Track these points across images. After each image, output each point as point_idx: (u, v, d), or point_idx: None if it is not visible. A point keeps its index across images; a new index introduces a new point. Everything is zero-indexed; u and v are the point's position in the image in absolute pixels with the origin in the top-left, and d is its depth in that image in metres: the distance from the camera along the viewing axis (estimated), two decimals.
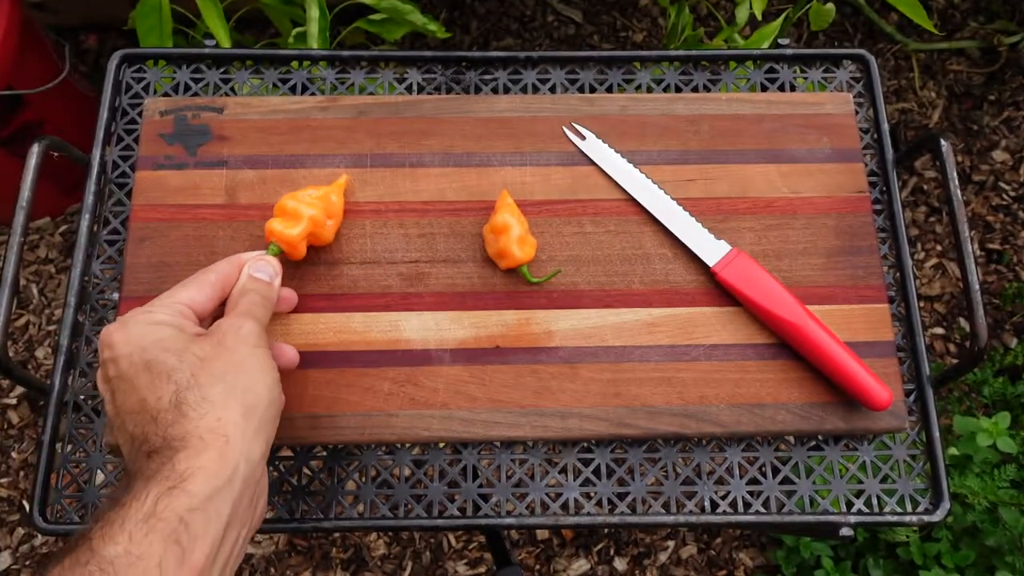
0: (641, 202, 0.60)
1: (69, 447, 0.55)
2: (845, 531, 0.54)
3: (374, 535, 1.28)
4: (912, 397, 0.58)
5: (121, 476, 0.55)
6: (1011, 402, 1.14)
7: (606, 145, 0.61)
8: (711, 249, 0.58)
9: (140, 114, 0.62)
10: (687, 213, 0.59)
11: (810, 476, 0.56)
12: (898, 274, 0.61)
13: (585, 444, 0.56)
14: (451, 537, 1.28)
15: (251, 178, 0.60)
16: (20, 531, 1.27)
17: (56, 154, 0.57)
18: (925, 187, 1.50)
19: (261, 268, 0.51)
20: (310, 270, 0.58)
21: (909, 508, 0.56)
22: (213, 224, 0.59)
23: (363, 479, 0.55)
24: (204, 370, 0.43)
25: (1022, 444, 1.02)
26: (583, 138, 0.61)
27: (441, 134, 0.62)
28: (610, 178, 0.61)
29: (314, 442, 0.55)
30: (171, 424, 0.41)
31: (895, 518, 0.55)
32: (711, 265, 0.57)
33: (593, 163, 0.61)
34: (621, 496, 0.55)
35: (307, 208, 0.54)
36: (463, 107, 0.63)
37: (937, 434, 0.56)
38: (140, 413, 0.42)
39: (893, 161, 0.63)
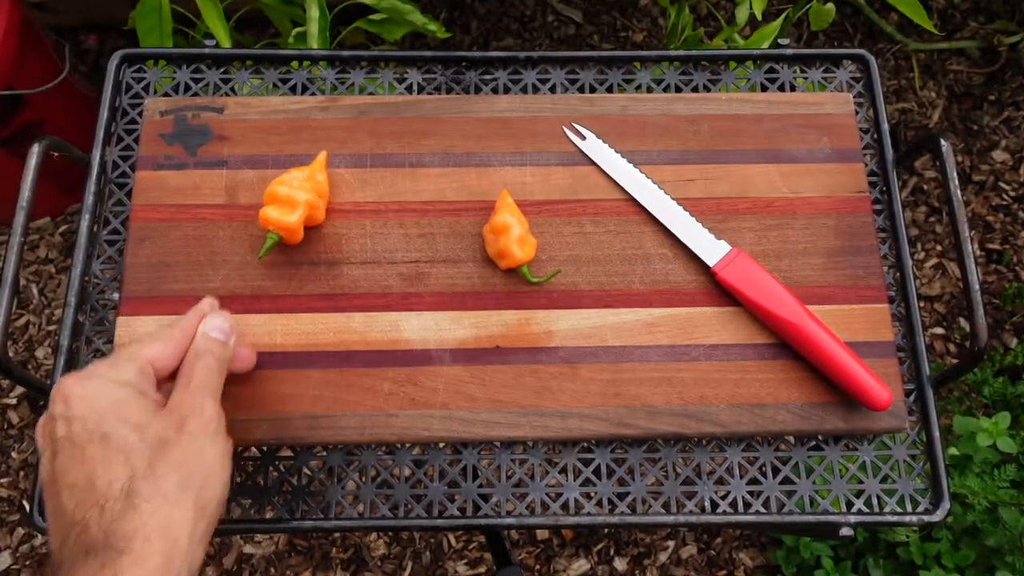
0: (641, 202, 0.60)
1: None
2: (845, 531, 0.54)
3: (374, 535, 1.27)
4: (912, 397, 0.58)
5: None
6: (1011, 402, 1.14)
7: (606, 145, 0.61)
8: (711, 249, 0.58)
9: (140, 114, 0.62)
10: (687, 213, 0.59)
11: (810, 476, 0.56)
12: (898, 274, 0.61)
13: (585, 444, 0.56)
14: (451, 537, 1.28)
15: (251, 178, 0.60)
16: (20, 531, 1.27)
17: (56, 154, 0.57)
18: (925, 187, 1.50)
19: (217, 327, 0.47)
20: (310, 270, 0.58)
21: (909, 508, 0.56)
22: (213, 224, 0.59)
23: (363, 479, 0.55)
24: (162, 457, 0.39)
25: (1022, 444, 1.02)
26: (583, 138, 0.61)
27: (441, 134, 0.62)
28: (610, 178, 0.61)
29: (314, 442, 0.55)
30: (118, 518, 0.37)
31: (895, 518, 0.55)
32: (711, 265, 0.57)
33: (593, 163, 0.61)
34: (621, 496, 0.55)
35: (300, 192, 0.55)
36: (463, 107, 0.63)
37: (937, 434, 0.56)
38: (84, 491, 0.38)
39: (893, 161, 0.63)
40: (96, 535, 0.37)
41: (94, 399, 0.40)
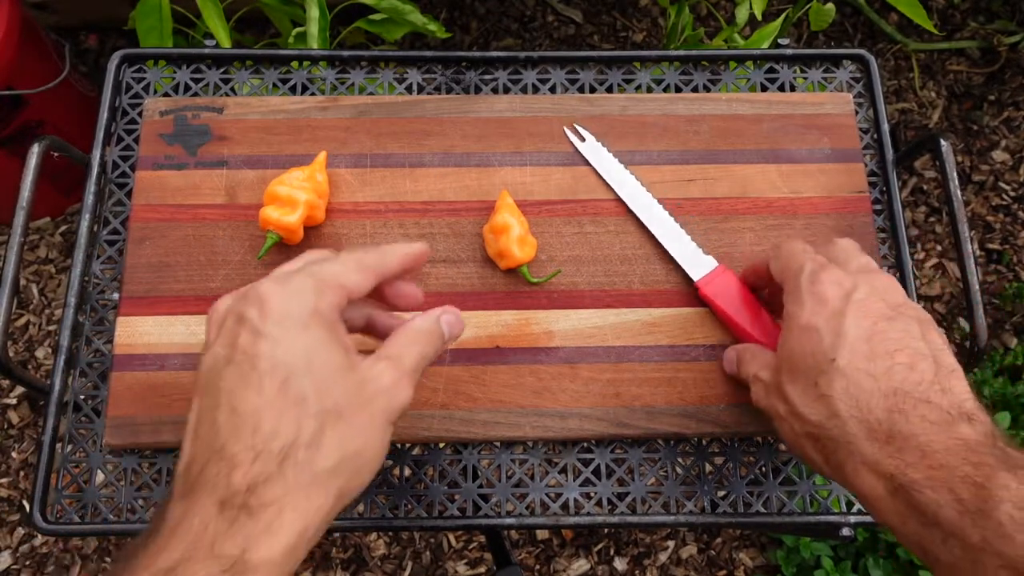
0: (632, 209, 0.59)
1: (69, 447, 0.55)
2: (845, 531, 0.54)
3: (374, 535, 1.28)
4: None
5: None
6: (1011, 402, 1.14)
7: (604, 148, 0.61)
8: (697, 263, 0.57)
9: (140, 114, 0.62)
10: (678, 225, 0.59)
11: (810, 476, 0.56)
12: (898, 274, 0.61)
13: (585, 444, 0.56)
14: (451, 537, 1.28)
15: (251, 178, 0.60)
16: (20, 531, 1.27)
17: (56, 154, 0.57)
18: (925, 187, 1.50)
19: (450, 323, 0.45)
20: None
21: None
22: (213, 224, 0.59)
23: None
24: (331, 430, 0.36)
25: (1022, 444, 1.03)
26: (583, 140, 0.61)
27: (441, 134, 0.62)
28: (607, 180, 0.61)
29: None
30: (266, 477, 0.34)
31: None
32: (695, 280, 0.57)
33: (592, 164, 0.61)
34: (621, 496, 0.55)
35: (301, 192, 0.55)
36: (463, 107, 0.63)
37: None
38: (245, 425, 0.35)
39: (893, 161, 0.63)
40: (238, 485, 0.34)
41: (291, 327, 0.37)
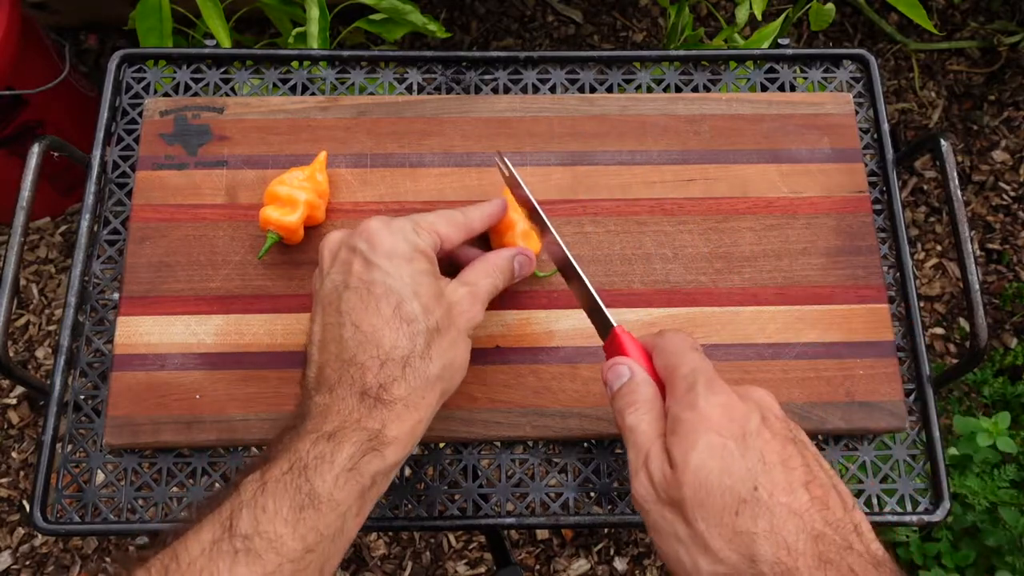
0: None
1: (69, 447, 0.55)
2: None
3: (374, 535, 1.28)
4: (912, 397, 0.58)
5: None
6: (1011, 402, 1.14)
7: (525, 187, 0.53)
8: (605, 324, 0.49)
9: (140, 114, 0.62)
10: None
11: None
12: (898, 274, 0.61)
13: (585, 444, 0.56)
14: (451, 537, 1.28)
15: (251, 178, 0.60)
16: (20, 531, 1.27)
17: (56, 154, 0.57)
18: (925, 187, 1.50)
19: (522, 263, 0.52)
20: (311, 270, 0.58)
21: (909, 508, 0.56)
22: (213, 224, 0.59)
23: None
24: (436, 342, 0.44)
25: (1022, 444, 1.03)
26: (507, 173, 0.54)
27: (441, 134, 0.62)
28: (612, 177, 0.61)
29: None
30: (393, 380, 0.43)
31: (895, 518, 0.55)
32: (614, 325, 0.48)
33: (594, 163, 0.61)
34: (621, 496, 0.55)
35: (301, 192, 0.55)
36: (463, 107, 0.63)
37: (937, 434, 0.56)
38: (368, 340, 0.43)
39: (893, 161, 0.63)
40: (371, 383, 0.42)
41: (399, 260, 0.45)
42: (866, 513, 0.54)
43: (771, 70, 0.67)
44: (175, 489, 0.55)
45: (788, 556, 0.35)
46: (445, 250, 0.50)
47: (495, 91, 0.65)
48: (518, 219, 0.55)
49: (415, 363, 0.44)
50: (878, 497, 0.56)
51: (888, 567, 0.36)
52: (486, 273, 0.50)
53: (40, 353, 1.38)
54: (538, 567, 1.27)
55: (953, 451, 1.02)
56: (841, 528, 0.36)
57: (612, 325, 0.47)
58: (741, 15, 1.02)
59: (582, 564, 1.27)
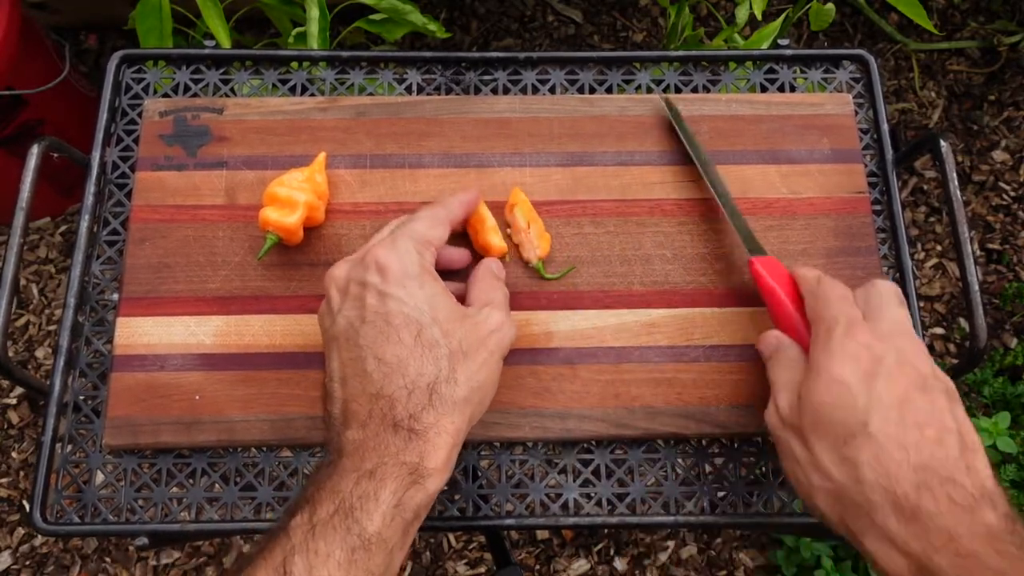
0: (704, 177, 0.58)
1: (69, 447, 0.55)
2: None
3: None
4: None
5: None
6: (1011, 402, 1.14)
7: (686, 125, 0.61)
8: (752, 245, 0.55)
9: (140, 115, 0.62)
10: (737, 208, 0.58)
11: None
12: (898, 274, 0.61)
13: (585, 445, 0.56)
14: (451, 537, 1.28)
15: (251, 179, 0.60)
16: (20, 531, 1.27)
17: (56, 154, 0.57)
18: (925, 187, 1.50)
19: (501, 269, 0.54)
20: (310, 271, 0.58)
21: None
22: (213, 225, 0.59)
23: None
24: (461, 365, 0.44)
25: (1022, 444, 1.03)
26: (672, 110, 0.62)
27: (441, 135, 0.62)
28: (611, 178, 0.61)
29: (314, 443, 0.55)
30: (421, 408, 0.42)
31: None
32: (749, 256, 0.54)
33: (594, 164, 0.61)
34: (621, 496, 0.55)
35: (300, 193, 0.55)
36: (463, 108, 0.63)
37: None
38: (394, 371, 0.43)
39: (893, 161, 0.63)
40: (401, 414, 0.42)
41: (412, 285, 0.45)
42: None
43: (771, 71, 0.67)
44: (175, 490, 0.55)
45: (887, 481, 0.40)
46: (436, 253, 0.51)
47: (495, 92, 0.65)
48: (487, 214, 0.56)
49: (441, 388, 0.43)
50: None
51: (991, 498, 0.40)
52: (494, 286, 0.51)
53: (40, 353, 1.38)
54: (538, 567, 1.27)
55: None
56: (949, 464, 0.40)
57: (763, 253, 0.54)
58: (741, 15, 1.02)
59: (582, 564, 1.27)
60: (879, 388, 0.42)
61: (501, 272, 0.53)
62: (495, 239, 0.56)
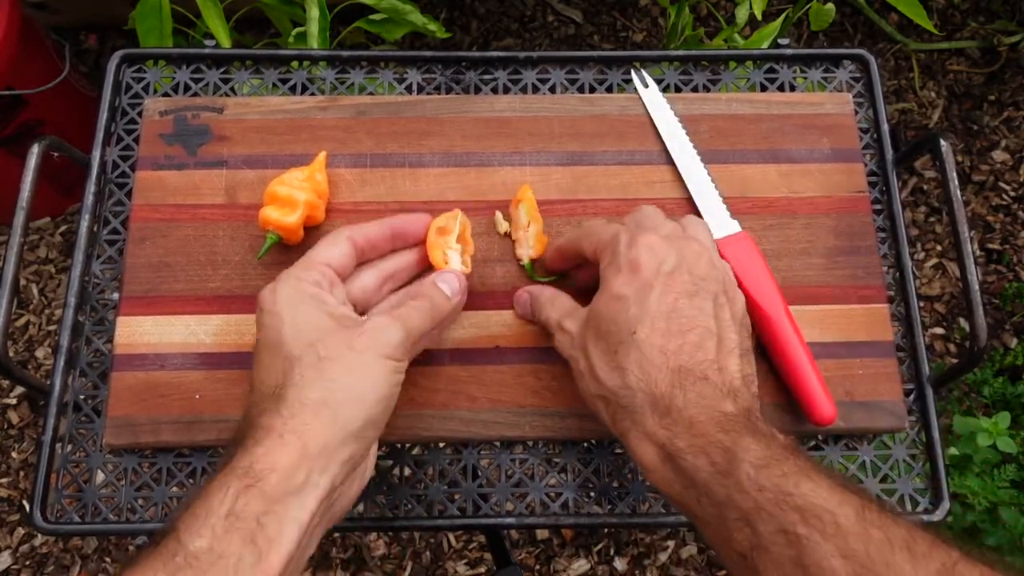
0: (675, 160, 0.61)
1: (69, 447, 0.55)
2: None
3: (374, 535, 1.28)
4: (912, 397, 0.58)
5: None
6: (1011, 402, 1.14)
7: (663, 98, 0.63)
8: (722, 224, 0.57)
9: (140, 114, 0.62)
10: (713, 186, 0.59)
11: None
12: (898, 274, 0.61)
13: (585, 444, 0.56)
14: (451, 537, 1.28)
15: (251, 178, 0.60)
16: (20, 531, 1.27)
17: (56, 154, 0.57)
18: (925, 187, 1.50)
19: (447, 281, 0.52)
20: None
21: (909, 508, 0.56)
22: (213, 224, 0.59)
23: None
24: (318, 370, 0.43)
25: (1022, 444, 1.03)
26: (646, 85, 0.63)
27: (441, 134, 0.62)
28: (612, 177, 0.61)
29: None
30: (266, 412, 0.42)
31: None
32: (716, 237, 0.56)
33: (594, 163, 0.61)
34: (621, 496, 0.55)
35: (300, 193, 0.55)
36: (463, 107, 0.63)
37: (937, 434, 0.56)
38: (260, 388, 0.44)
39: (893, 161, 0.63)
40: (249, 425, 0.42)
41: (285, 307, 0.46)
42: None
43: (771, 70, 0.67)
44: (175, 489, 0.55)
45: (647, 384, 0.44)
46: (346, 272, 0.51)
47: (495, 91, 0.65)
48: (439, 241, 0.54)
49: (286, 393, 0.43)
50: (878, 497, 0.56)
51: (735, 394, 0.44)
52: (406, 297, 0.51)
53: (40, 353, 1.38)
54: (538, 567, 1.27)
55: (953, 451, 1.02)
56: (704, 365, 0.44)
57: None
58: (741, 15, 1.02)
59: (582, 564, 1.27)
60: (651, 300, 0.45)
61: (438, 289, 0.51)
62: (437, 256, 0.54)
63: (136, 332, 0.56)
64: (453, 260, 0.54)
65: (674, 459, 0.42)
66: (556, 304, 0.53)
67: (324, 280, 0.48)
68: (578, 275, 0.56)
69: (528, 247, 0.57)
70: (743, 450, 0.40)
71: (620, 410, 0.45)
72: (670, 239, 0.48)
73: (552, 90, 0.65)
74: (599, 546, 1.29)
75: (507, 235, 0.59)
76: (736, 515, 0.39)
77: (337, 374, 0.43)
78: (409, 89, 0.65)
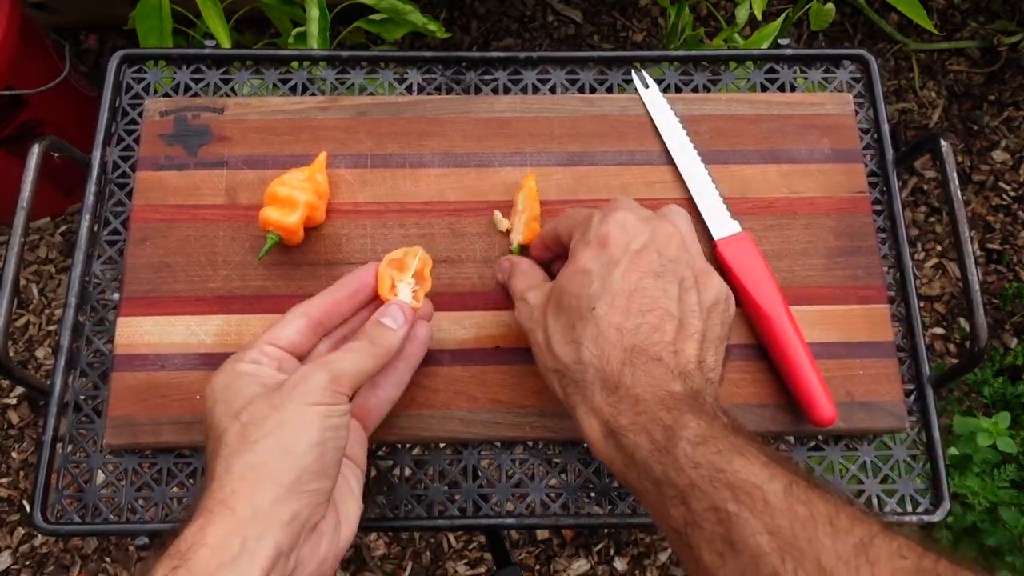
0: (675, 159, 0.61)
1: (69, 447, 0.55)
2: None
3: (374, 535, 1.28)
4: (912, 397, 0.58)
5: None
6: (1011, 402, 1.14)
7: (663, 98, 0.63)
8: (722, 224, 0.58)
9: (140, 114, 0.62)
10: (713, 185, 0.60)
11: None
12: (898, 274, 0.61)
13: (585, 444, 0.56)
14: (451, 537, 1.28)
15: (251, 178, 0.60)
16: (20, 531, 1.28)
17: (56, 154, 0.57)
18: (925, 187, 1.50)
19: (390, 314, 0.49)
20: (310, 271, 0.58)
21: (909, 508, 0.56)
22: (213, 224, 0.59)
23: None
24: (242, 436, 0.42)
25: (1022, 444, 1.03)
26: (647, 86, 0.63)
27: (441, 134, 0.62)
28: (612, 177, 0.61)
29: None
30: (202, 494, 0.41)
31: (895, 518, 0.55)
32: (715, 238, 0.57)
33: (594, 163, 0.61)
34: (621, 496, 0.55)
35: (301, 193, 0.55)
36: (463, 107, 0.63)
37: (937, 434, 0.56)
38: (204, 464, 0.44)
39: (893, 161, 0.63)
40: (194, 505, 0.41)
41: (214, 393, 0.45)
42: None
43: (771, 70, 0.67)
44: (175, 489, 0.55)
45: (600, 360, 0.43)
46: (299, 349, 0.48)
47: (495, 91, 0.65)
48: (388, 271, 0.52)
49: (216, 466, 0.41)
50: (878, 497, 0.56)
51: (685, 376, 0.43)
52: (360, 332, 0.48)
53: (40, 353, 1.38)
54: (538, 567, 1.27)
55: (953, 451, 1.02)
56: (660, 347, 0.44)
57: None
58: (741, 15, 1.02)
59: (582, 564, 1.27)
60: (615, 277, 0.45)
61: (380, 325, 0.48)
62: (384, 287, 0.51)
63: (136, 332, 0.56)
64: (402, 292, 0.51)
65: (616, 435, 0.42)
66: (527, 275, 0.53)
67: (265, 357, 0.46)
68: (556, 268, 0.54)
69: (518, 232, 0.57)
70: (682, 427, 0.40)
71: (571, 384, 0.45)
72: (644, 219, 0.48)
73: (552, 90, 0.65)
74: (599, 546, 1.29)
75: (507, 233, 0.59)
76: (672, 492, 0.39)
77: (261, 435, 0.41)
78: (409, 89, 0.65)
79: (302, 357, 0.49)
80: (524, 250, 0.58)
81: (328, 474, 0.43)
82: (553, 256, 0.55)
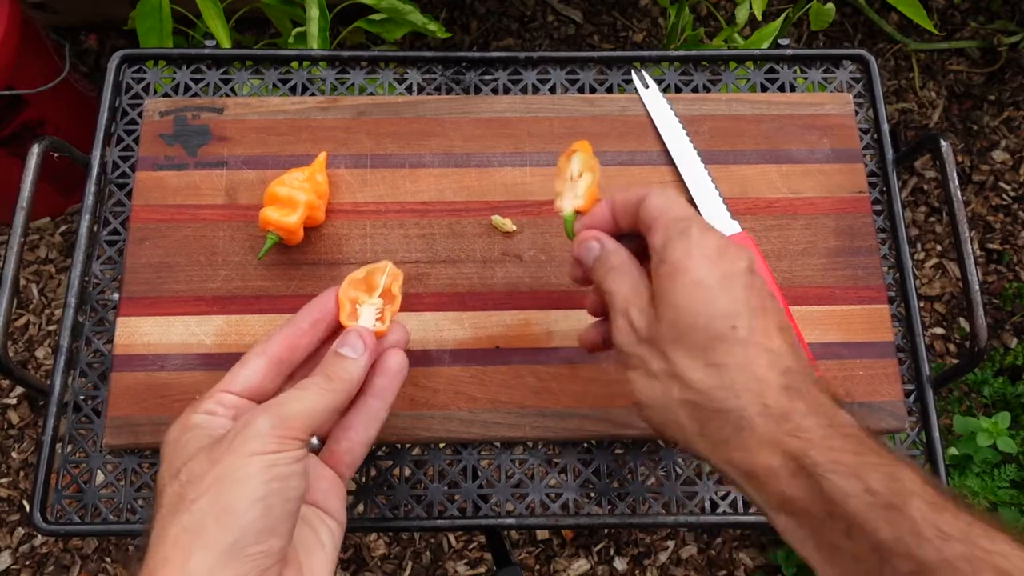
0: (675, 160, 0.61)
1: (69, 447, 0.55)
2: None
3: (374, 535, 1.28)
4: (912, 397, 0.58)
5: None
6: (1011, 402, 1.14)
7: (664, 98, 0.63)
8: (722, 224, 0.58)
9: (140, 114, 0.62)
10: (713, 186, 0.60)
11: None
12: (898, 274, 0.61)
13: (585, 444, 0.56)
14: (451, 537, 1.28)
15: (251, 178, 0.60)
16: (20, 531, 1.27)
17: (56, 154, 0.57)
18: (925, 187, 1.50)
19: (349, 343, 0.44)
20: (310, 271, 0.58)
21: None
22: (213, 224, 0.59)
23: (363, 479, 0.55)
24: (180, 498, 0.38)
25: (1022, 444, 1.03)
26: (646, 86, 0.64)
27: (441, 134, 0.62)
28: (612, 177, 0.61)
29: None
30: (144, 556, 0.37)
31: None
32: None
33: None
34: (621, 496, 0.55)
35: (301, 193, 0.55)
36: (463, 107, 0.63)
37: (937, 434, 0.56)
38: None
39: (893, 161, 0.63)
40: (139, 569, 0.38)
41: (165, 451, 0.41)
42: None
43: (771, 70, 0.67)
44: None
45: (757, 384, 0.39)
46: (260, 394, 0.44)
47: (495, 91, 0.65)
48: (350, 293, 0.47)
49: (152, 532, 0.38)
50: None
51: (837, 400, 0.40)
52: (318, 368, 0.44)
53: (40, 353, 1.38)
54: (538, 567, 1.27)
55: (953, 451, 1.02)
56: (806, 369, 0.40)
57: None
58: (741, 15, 1.02)
59: (582, 564, 1.27)
60: (742, 293, 0.40)
61: (338, 357, 0.44)
62: (343, 313, 0.47)
63: (136, 332, 0.56)
64: (364, 316, 0.46)
65: (811, 475, 0.36)
66: (627, 275, 0.43)
67: (220, 407, 0.42)
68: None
69: (577, 196, 0.50)
70: (909, 480, 0.33)
71: (716, 415, 0.39)
72: (739, 245, 0.43)
73: (552, 90, 0.65)
74: (599, 546, 1.29)
75: (507, 235, 0.59)
76: (909, 568, 0.32)
77: (198, 494, 0.37)
78: (409, 89, 0.65)
79: (260, 400, 0.43)
80: (578, 217, 0.50)
81: (278, 531, 0.38)
82: (620, 234, 0.47)
